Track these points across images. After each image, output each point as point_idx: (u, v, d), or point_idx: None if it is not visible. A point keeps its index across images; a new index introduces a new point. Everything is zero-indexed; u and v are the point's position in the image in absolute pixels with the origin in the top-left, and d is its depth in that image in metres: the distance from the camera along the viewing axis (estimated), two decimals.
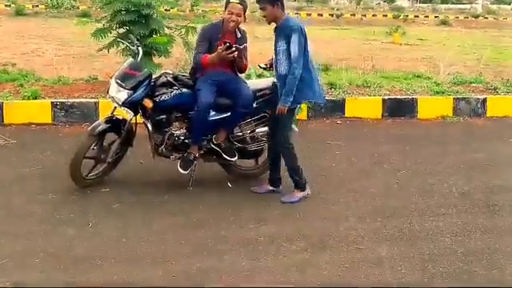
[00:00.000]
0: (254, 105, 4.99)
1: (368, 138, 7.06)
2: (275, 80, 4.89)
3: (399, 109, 8.10)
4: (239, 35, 4.96)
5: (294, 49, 4.59)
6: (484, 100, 8.39)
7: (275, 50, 4.74)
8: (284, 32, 4.66)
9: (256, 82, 5.31)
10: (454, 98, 8.32)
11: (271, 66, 5.01)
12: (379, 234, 4.30)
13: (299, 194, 4.90)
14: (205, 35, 4.96)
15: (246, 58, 5.06)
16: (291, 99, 4.67)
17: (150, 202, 4.78)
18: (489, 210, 4.84)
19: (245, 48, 4.98)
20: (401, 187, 5.34)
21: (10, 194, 4.87)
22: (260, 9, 4.79)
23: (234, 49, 4.66)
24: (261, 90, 5.05)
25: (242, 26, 5.02)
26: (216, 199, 4.90)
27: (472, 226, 4.47)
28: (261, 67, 5.28)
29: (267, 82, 5.14)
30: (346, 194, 5.11)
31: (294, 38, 4.59)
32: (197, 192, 5.01)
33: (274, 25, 4.83)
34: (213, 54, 4.77)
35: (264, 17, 4.80)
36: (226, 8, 4.88)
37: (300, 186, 4.93)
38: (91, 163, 5.02)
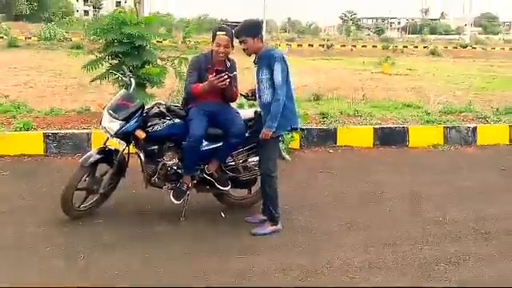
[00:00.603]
0: (247, 134, 5.01)
1: (360, 167, 7.09)
2: (258, 109, 4.92)
3: (390, 138, 8.16)
4: (228, 64, 5.02)
5: (278, 76, 4.65)
6: (474, 129, 8.47)
7: (257, 79, 4.79)
8: (266, 61, 4.71)
9: (246, 111, 5.32)
10: (444, 127, 8.40)
11: (253, 94, 5.05)
12: (373, 264, 4.29)
13: (271, 227, 4.87)
14: (195, 66, 5.02)
15: (236, 87, 5.12)
16: (275, 125, 4.70)
17: (142, 234, 4.74)
18: (481, 238, 4.85)
19: (234, 77, 5.04)
20: (393, 216, 5.34)
21: (1, 226, 4.82)
22: (240, 42, 4.83)
23: (225, 76, 4.71)
24: (251, 119, 5.08)
25: (232, 56, 5.08)
26: (209, 229, 4.87)
27: (465, 254, 4.47)
28: (241, 95, 5.27)
29: (250, 112, 5.17)
30: (338, 224, 5.10)
31: (277, 67, 4.65)
32: (189, 222, 4.98)
33: (253, 56, 4.89)
34: (204, 83, 4.81)
35: (244, 50, 4.85)
36: (213, 40, 4.93)
37: (273, 219, 4.91)
38: (83, 194, 5.00)
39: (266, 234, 4.82)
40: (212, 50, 4.98)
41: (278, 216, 4.92)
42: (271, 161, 4.87)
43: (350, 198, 5.83)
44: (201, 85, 4.84)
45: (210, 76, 4.74)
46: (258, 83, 4.81)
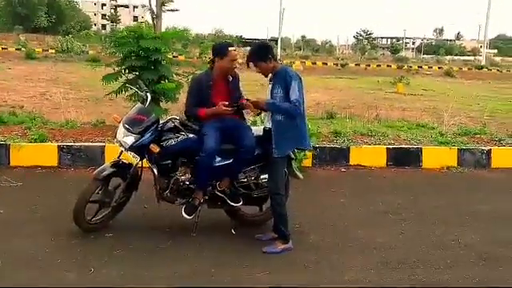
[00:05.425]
0: (259, 151, 5.00)
1: (373, 187, 7.05)
2: (267, 126, 4.90)
3: (404, 158, 8.11)
4: (230, 78, 5.09)
5: (295, 93, 4.63)
6: (489, 151, 8.39)
7: (271, 97, 4.79)
8: (282, 79, 4.72)
9: (255, 129, 5.28)
10: (458, 149, 8.33)
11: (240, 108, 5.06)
12: (384, 285, 4.24)
13: (281, 246, 4.84)
14: (195, 86, 5.11)
15: (241, 95, 5.19)
16: (271, 109, 4.75)
17: (153, 248, 4.74)
18: (494, 263, 4.77)
19: (237, 87, 5.19)
20: (406, 238, 5.29)
21: (12, 237, 4.85)
22: (255, 66, 4.88)
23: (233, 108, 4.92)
24: (260, 137, 5.05)
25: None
26: (220, 246, 4.86)
27: (478, 279, 4.40)
28: (248, 100, 5.07)
29: (260, 129, 5.15)
30: (351, 244, 5.06)
31: (294, 84, 4.65)
32: (201, 238, 4.97)
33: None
34: (212, 109, 4.94)
35: (259, 72, 4.90)
36: (220, 55, 4.99)
37: (284, 237, 4.88)
38: (95, 207, 5.01)
39: (277, 252, 4.79)
40: (212, 67, 5.09)
41: (289, 234, 4.90)
42: (278, 179, 4.87)
43: (362, 218, 5.79)
44: (207, 110, 4.96)
45: (221, 103, 4.89)
46: None
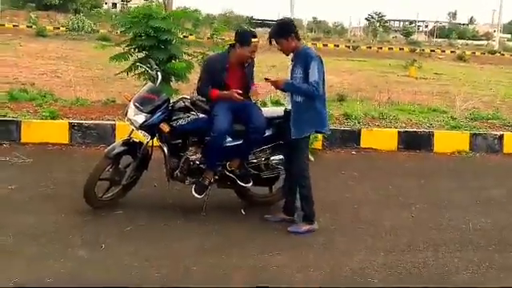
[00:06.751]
0: (269, 132, 5.00)
1: (383, 170, 7.02)
2: (288, 107, 4.88)
3: (415, 142, 8.06)
4: (246, 64, 5.08)
5: (314, 74, 4.59)
6: (501, 136, 8.31)
7: (291, 77, 4.77)
8: (303, 60, 4.68)
9: (271, 109, 5.29)
10: (470, 133, 8.26)
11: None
12: (393, 268, 4.23)
13: (306, 227, 4.84)
14: (210, 67, 5.09)
15: (253, 79, 5.20)
16: (290, 89, 4.73)
17: (162, 226, 4.76)
18: (505, 247, 4.75)
19: (251, 71, 5.18)
20: (416, 221, 5.27)
21: (23, 214, 4.88)
22: (276, 43, 4.83)
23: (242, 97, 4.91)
24: (276, 118, 5.05)
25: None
26: (229, 226, 4.87)
27: (488, 264, 4.39)
28: (267, 79, 5.02)
29: (280, 110, 5.14)
30: (359, 226, 5.05)
31: (314, 65, 4.61)
32: (210, 218, 4.98)
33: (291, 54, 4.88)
34: (224, 93, 4.91)
35: (280, 50, 4.85)
36: (242, 43, 4.94)
37: (309, 218, 4.88)
38: (106, 185, 5.03)
39: (301, 232, 4.79)
40: (229, 50, 5.07)
41: (314, 215, 4.89)
42: (300, 162, 4.86)
43: (372, 201, 5.77)
44: (220, 92, 4.94)
45: (234, 90, 4.87)
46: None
